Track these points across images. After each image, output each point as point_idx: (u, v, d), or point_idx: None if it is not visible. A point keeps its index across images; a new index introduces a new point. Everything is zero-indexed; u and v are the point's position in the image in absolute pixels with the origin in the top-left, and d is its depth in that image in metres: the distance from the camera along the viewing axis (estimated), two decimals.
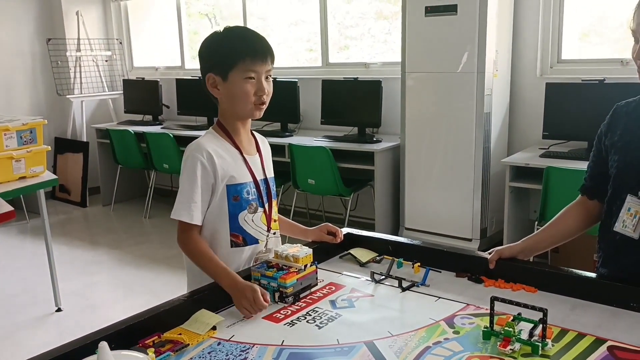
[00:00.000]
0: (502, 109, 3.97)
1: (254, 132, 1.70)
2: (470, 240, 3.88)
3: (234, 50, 1.51)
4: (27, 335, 3.24)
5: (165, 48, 6.15)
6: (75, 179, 5.96)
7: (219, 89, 1.55)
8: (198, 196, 1.52)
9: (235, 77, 1.51)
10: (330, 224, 1.76)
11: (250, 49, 1.51)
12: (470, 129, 3.78)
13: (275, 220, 1.67)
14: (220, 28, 1.59)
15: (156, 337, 1.25)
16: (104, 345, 0.87)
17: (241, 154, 1.59)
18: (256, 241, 1.61)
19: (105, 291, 3.92)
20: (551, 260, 3.51)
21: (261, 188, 1.61)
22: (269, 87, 1.54)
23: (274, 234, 1.67)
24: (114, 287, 3.96)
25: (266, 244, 1.63)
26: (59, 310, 3.52)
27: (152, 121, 5.76)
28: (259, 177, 1.62)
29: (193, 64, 6.06)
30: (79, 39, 6.05)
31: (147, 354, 0.96)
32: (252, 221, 1.59)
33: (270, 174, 1.68)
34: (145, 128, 5.42)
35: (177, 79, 5.66)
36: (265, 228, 1.62)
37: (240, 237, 1.59)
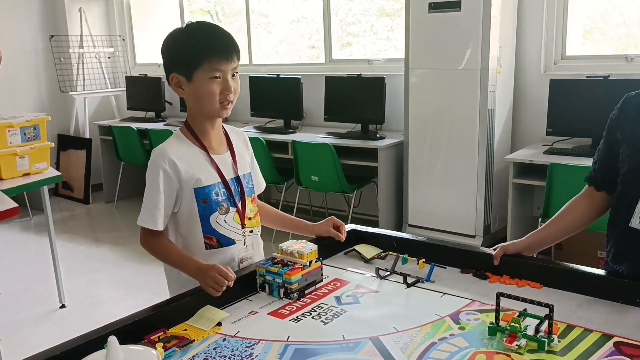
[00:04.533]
0: (506, 106, 3.96)
1: (227, 127, 1.67)
2: (473, 237, 3.88)
3: (197, 49, 1.46)
4: (31, 332, 3.25)
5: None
6: (78, 176, 5.97)
7: (183, 89, 1.51)
8: (161, 203, 1.51)
9: (200, 77, 1.47)
10: (335, 218, 1.75)
11: (215, 48, 1.47)
12: (474, 126, 3.77)
13: (250, 218, 1.63)
14: (184, 25, 1.54)
15: (162, 332, 1.26)
16: (113, 339, 0.87)
17: (208, 155, 1.56)
18: (232, 242, 1.58)
19: (108, 288, 3.93)
20: (555, 257, 3.51)
21: (231, 188, 1.57)
22: (235, 85, 1.51)
23: (251, 231, 1.63)
24: (117, 284, 3.97)
25: (244, 242, 1.60)
26: (62, 307, 3.53)
27: (155, 118, 5.76)
28: (229, 176, 1.58)
29: None
30: (81, 35, 6.05)
31: (156, 348, 0.96)
32: (225, 222, 1.56)
33: (245, 170, 1.64)
34: (148, 125, 5.42)
35: None
36: (240, 227, 1.59)
37: (214, 239, 1.56)
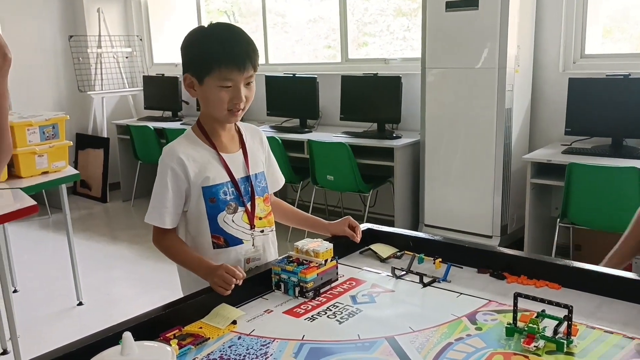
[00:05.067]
0: (524, 105, 3.92)
1: (242, 125, 1.65)
2: (490, 237, 3.85)
3: (210, 55, 1.44)
4: (49, 329, 3.28)
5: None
6: (96, 175, 6.02)
7: (195, 90, 1.50)
8: (169, 202, 1.51)
9: (210, 83, 1.45)
10: (351, 218, 1.73)
11: (228, 57, 1.43)
12: (491, 125, 3.74)
13: (261, 218, 1.61)
14: (207, 23, 1.52)
15: (177, 330, 1.26)
16: (127, 335, 0.87)
17: (218, 153, 1.55)
18: (240, 241, 1.56)
19: (125, 286, 3.96)
20: (573, 257, 3.47)
21: (241, 187, 1.56)
22: (249, 93, 1.48)
23: (262, 231, 1.61)
24: (134, 281, 3.99)
25: (253, 242, 1.59)
26: (80, 304, 3.56)
27: (172, 117, 5.80)
28: (239, 175, 1.57)
29: None
30: (100, 35, 6.10)
31: (170, 345, 0.96)
32: (233, 221, 1.55)
33: (258, 169, 1.62)
34: (165, 124, 5.46)
35: None
36: (248, 227, 1.58)
37: (222, 239, 1.55)
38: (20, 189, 2.95)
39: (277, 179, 1.75)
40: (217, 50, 1.43)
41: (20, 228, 4.99)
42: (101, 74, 6.08)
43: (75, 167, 5.67)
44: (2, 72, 0.95)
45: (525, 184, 3.57)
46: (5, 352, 3.00)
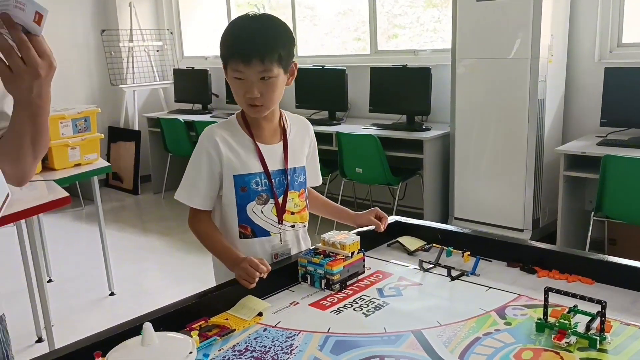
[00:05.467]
0: (557, 96, 3.83)
1: (290, 117, 1.63)
2: (521, 230, 3.78)
3: (224, 46, 1.45)
4: (82, 318, 3.35)
5: (215, 37, 6.21)
6: (128, 167, 6.11)
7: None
8: (200, 182, 1.52)
9: (229, 74, 1.46)
10: (379, 209, 1.71)
11: (235, 50, 1.42)
12: (523, 117, 3.67)
13: (293, 213, 1.58)
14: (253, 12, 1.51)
15: (203, 321, 1.26)
16: (148, 326, 0.87)
17: (254, 143, 1.53)
18: (267, 233, 1.55)
19: (155, 277, 4.01)
20: (608, 251, 3.39)
21: (273, 180, 1.53)
22: (265, 89, 1.43)
23: (292, 226, 1.59)
24: (164, 273, 4.05)
25: (281, 237, 1.57)
26: (112, 294, 3.62)
27: (202, 110, 5.84)
28: (275, 167, 1.54)
29: None
30: (131, 29, 6.17)
31: (191, 336, 0.96)
32: (262, 212, 1.54)
33: (298, 163, 1.59)
34: (195, 117, 5.50)
35: None
36: (276, 220, 1.56)
37: (249, 229, 1.54)
38: (54, 181, 3.01)
39: (315, 177, 1.72)
40: (229, 42, 1.44)
41: (55, 219, 5.09)
42: (133, 67, 6.16)
43: (108, 160, 5.74)
44: (48, 79, 0.99)
45: (558, 176, 3.50)
46: (40, 340, 3.07)
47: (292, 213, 1.58)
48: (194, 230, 1.56)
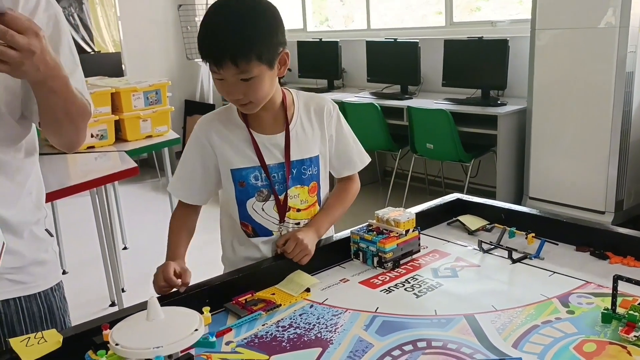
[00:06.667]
0: None
1: (301, 100, 1.42)
2: (603, 212, 3.56)
3: (199, 45, 1.25)
4: (151, 286, 3.46)
5: (288, 11, 6.19)
6: None
7: None
8: (186, 173, 1.40)
9: (211, 71, 1.28)
10: (297, 235, 1.36)
11: (208, 51, 1.23)
12: (609, 91, 3.43)
13: (300, 210, 1.42)
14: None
15: (249, 295, 1.25)
16: (153, 300, 0.86)
17: (250, 134, 1.36)
18: (270, 233, 1.41)
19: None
20: None
21: (271, 175, 1.37)
22: (248, 90, 1.24)
23: (297, 224, 1.42)
24: None
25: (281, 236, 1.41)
26: None
27: None
28: (275, 161, 1.37)
29: (315, 27, 6.05)
30: (207, 4, 6.24)
31: (203, 312, 0.95)
32: (263, 210, 1.39)
33: (305, 154, 1.40)
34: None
35: (298, 42, 5.68)
36: (278, 219, 1.41)
37: (250, 227, 1.41)
38: (125, 152, 3.10)
39: (351, 161, 1.50)
40: (199, 41, 1.24)
41: (132, 189, 5.29)
42: None
43: (184, 133, 5.91)
44: (44, 49, 0.95)
45: None
46: (113, 304, 3.21)
47: (298, 210, 1.42)
48: (170, 221, 1.44)
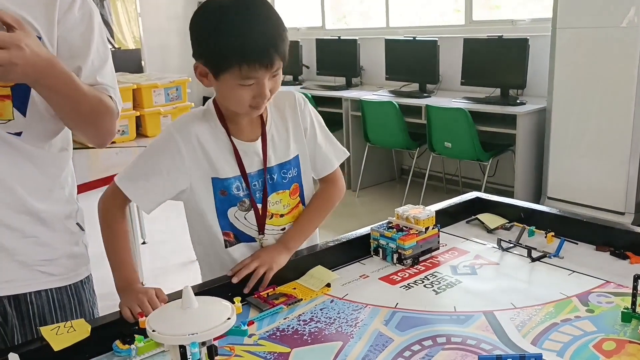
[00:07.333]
0: None
1: (272, 98, 1.25)
2: (622, 213, 3.54)
3: (227, 52, 1.14)
4: (170, 279, 3.50)
5: (307, 8, 6.20)
6: None
7: (208, 80, 1.21)
8: (146, 175, 1.25)
9: (229, 80, 1.17)
10: (262, 257, 1.31)
11: (250, 52, 1.13)
12: (630, 90, 3.40)
13: (283, 215, 1.37)
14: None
15: (271, 289, 1.27)
16: (188, 289, 0.88)
17: (231, 142, 1.29)
18: (252, 239, 1.35)
19: None
20: None
21: (251, 184, 1.30)
22: (274, 86, 1.20)
23: (283, 229, 1.38)
24: None
25: (262, 246, 1.36)
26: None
27: (292, 81, 5.87)
28: (254, 168, 1.31)
29: (334, 25, 6.06)
30: None
31: (234, 302, 0.97)
32: (245, 219, 1.33)
33: (283, 157, 1.34)
34: (285, 88, 5.50)
35: (317, 39, 5.69)
36: (257, 231, 1.34)
37: (232, 234, 1.33)
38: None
39: (328, 160, 1.43)
40: (236, 46, 1.13)
41: None
42: None
43: None
44: (33, 42, 0.94)
45: None
46: None
47: (282, 215, 1.37)
48: (107, 218, 1.27)
